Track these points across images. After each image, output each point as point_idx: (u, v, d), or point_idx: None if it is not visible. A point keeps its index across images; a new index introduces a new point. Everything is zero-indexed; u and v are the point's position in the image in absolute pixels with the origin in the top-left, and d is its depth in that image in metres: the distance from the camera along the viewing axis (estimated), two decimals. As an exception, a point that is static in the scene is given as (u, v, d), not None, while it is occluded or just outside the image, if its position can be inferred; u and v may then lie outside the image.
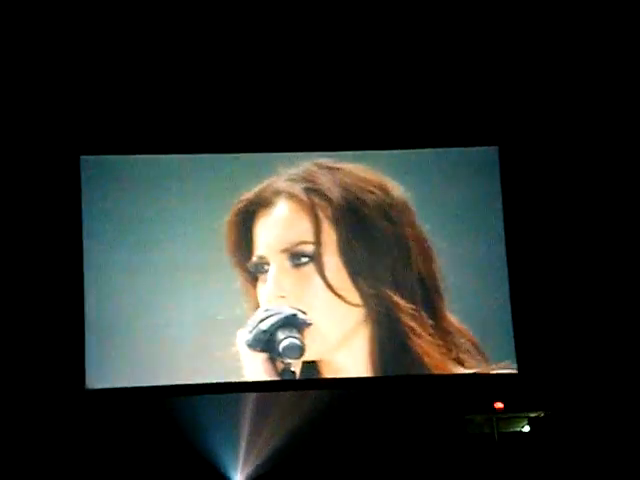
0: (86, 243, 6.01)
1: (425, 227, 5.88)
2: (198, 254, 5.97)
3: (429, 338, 5.73)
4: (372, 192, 5.80)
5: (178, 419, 5.92)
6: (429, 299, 5.79)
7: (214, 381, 5.86)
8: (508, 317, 6.04)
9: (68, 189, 6.06)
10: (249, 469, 5.99)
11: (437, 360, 5.74)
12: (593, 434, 5.95)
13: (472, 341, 5.83)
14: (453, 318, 5.83)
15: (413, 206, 5.88)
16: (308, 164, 5.88)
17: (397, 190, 5.84)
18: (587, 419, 5.99)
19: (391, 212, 5.83)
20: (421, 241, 5.85)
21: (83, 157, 6.12)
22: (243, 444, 5.97)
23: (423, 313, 5.75)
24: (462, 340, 5.82)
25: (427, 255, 5.84)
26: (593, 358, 6.07)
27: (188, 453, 5.92)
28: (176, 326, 5.91)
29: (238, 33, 6.04)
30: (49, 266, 6.03)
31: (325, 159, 5.92)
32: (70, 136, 6.14)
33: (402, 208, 5.85)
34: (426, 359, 5.71)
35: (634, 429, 5.91)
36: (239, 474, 5.99)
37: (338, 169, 5.84)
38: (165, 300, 5.96)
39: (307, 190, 5.74)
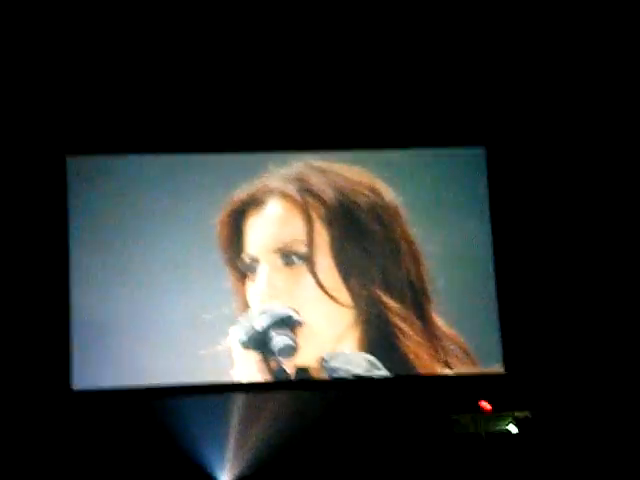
0: (72, 242, 5.94)
1: (413, 230, 5.93)
2: (187, 253, 5.91)
3: (417, 339, 5.78)
4: (365, 195, 5.85)
5: (165, 420, 5.87)
6: (417, 302, 5.84)
7: (202, 381, 5.82)
8: (495, 317, 6.08)
9: (54, 189, 5.99)
10: (236, 470, 5.97)
11: (425, 361, 5.80)
12: (579, 434, 6.01)
13: (460, 345, 5.88)
14: (441, 321, 5.88)
15: (404, 209, 5.92)
16: (301, 165, 5.90)
17: (389, 193, 5.89)
18: (573, 419, 6.05)
19: (383, 215, 5.88)
20: (410, 244, 5.90)
21: (69, 157, 6.06)
22: (231, 446, 5.95)
23: (412, 315, 5.80)
24: (450, 344, 5.86)
25: (416, 258, 5.89)
26: (579, 358, 6.13)
27: (175, 454, 5.87)
28: (164, 326, 5.86)
29: (230, 30, 6.02)
30: (35, 266, 5.95)
31: (318, 161, 5.94)
32: (56, 136, 6.07)
33: (393, 212, 5.90)
34: (414, 359, 5.76)
35: (620, 428, 5.98)
36: (226, 475, 5.97)
37: (331, 171, 5.87)
38: (153, 300, 5.90)
39: (301, 190, 5.76)
